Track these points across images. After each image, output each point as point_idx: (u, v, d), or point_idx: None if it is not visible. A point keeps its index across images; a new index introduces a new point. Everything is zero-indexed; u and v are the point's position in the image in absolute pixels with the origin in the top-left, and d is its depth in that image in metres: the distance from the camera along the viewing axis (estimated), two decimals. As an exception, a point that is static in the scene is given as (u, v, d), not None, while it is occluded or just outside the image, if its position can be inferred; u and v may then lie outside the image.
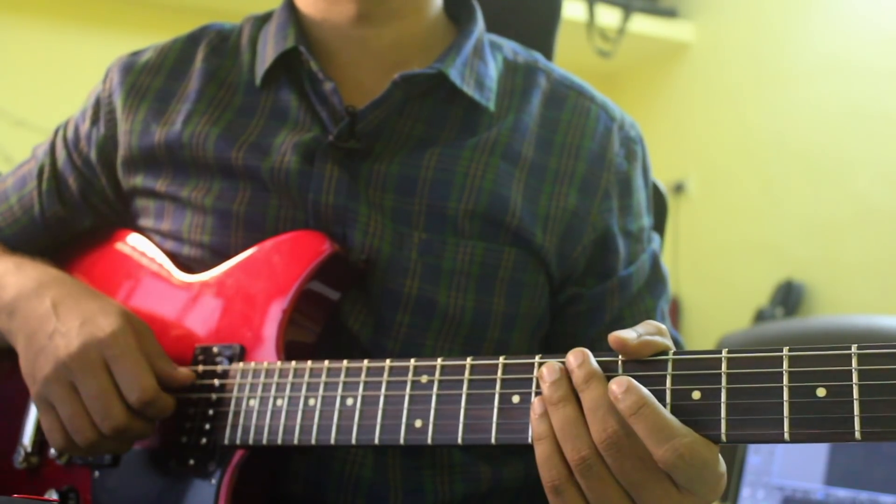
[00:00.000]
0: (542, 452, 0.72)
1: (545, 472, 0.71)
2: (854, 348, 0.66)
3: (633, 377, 0.71)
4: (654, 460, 0.68)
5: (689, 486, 0.68)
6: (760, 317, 3.71)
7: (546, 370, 0.73)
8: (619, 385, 0.69)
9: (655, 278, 1.07)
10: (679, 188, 4.24)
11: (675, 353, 0.72)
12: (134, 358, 0.89)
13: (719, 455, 0.70)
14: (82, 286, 1.00)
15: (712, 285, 4.11)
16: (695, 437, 0.68)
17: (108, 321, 0.91)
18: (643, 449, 0.68)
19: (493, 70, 1.07)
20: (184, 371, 0.93)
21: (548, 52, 1.31)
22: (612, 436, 0.68)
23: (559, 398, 0.71)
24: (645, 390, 0.69)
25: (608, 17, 3.75)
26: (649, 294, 1.06)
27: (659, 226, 1.28)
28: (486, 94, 1.04)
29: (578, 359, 0.72)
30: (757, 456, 1.46)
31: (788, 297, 3.67)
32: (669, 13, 4.31)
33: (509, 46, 1.12)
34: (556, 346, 1.06)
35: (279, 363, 0.89)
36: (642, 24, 4.10)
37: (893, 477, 1.72)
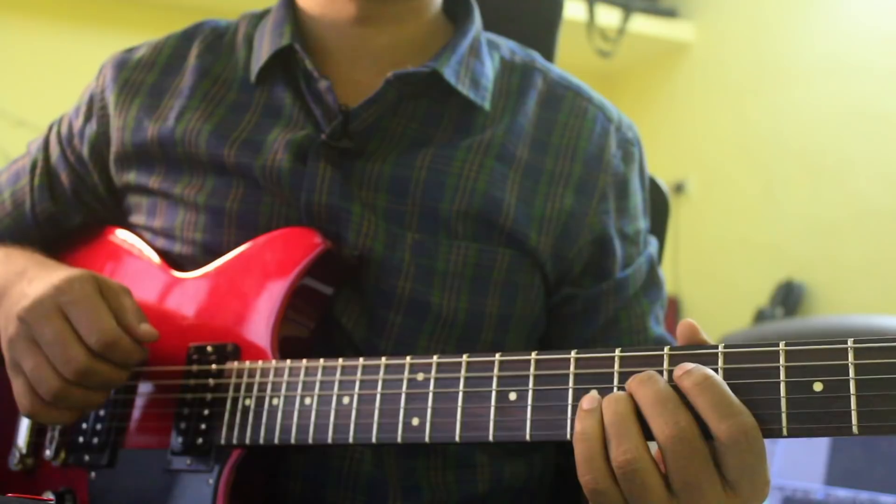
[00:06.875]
0: (583, 451, 0.69)
1: (584, 474, 0.69)
2: (850, 342, 0.65)
3: (627, 373, 0.71)
4: (714, 452, 0.67)
5: (740, 479, 0.67)
6: (760, 317, 3.71)
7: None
8: (680, 368, 0.68)
9: (651, 282, 1.07)
10: (679, 188, 4.24)
11: (671, 349, 0.72)
12: (91, 302, 0.87)
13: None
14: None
15: (712, 285, 4.11)
16: (756, 422, 0.67)
17: (69, 273, 0.89)
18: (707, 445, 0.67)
19: (489, 69, 1.06)
20: (146, 327, 0.89)
21: (549, 53, 1.31)
22: (683, 430, 0.66)
23: (614, 397, 0.70)
24: (709, 370, 0.68)
25: (608, 17, 3.75)
26: (645, 298, 1.06)
27: (660, 226, 1.27)
28: (482, 93, 1.03)
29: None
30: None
31: (788, 297, 3.67)
32: (669, 13, 4.32)
33: (507, 46, 1.11)
34: (550, 347, 1.05)
35: (274, 362, 0.89)
36: (642, 24, 4.11)
37: (893, 477, 1.72)
